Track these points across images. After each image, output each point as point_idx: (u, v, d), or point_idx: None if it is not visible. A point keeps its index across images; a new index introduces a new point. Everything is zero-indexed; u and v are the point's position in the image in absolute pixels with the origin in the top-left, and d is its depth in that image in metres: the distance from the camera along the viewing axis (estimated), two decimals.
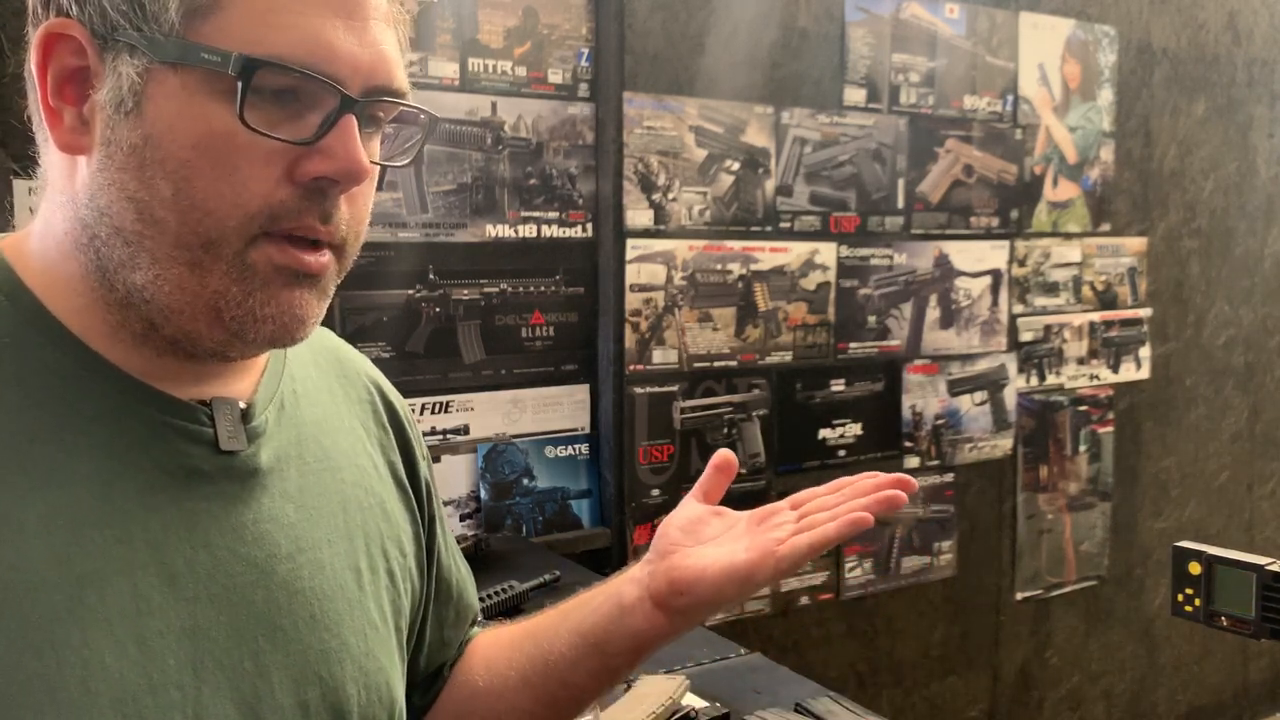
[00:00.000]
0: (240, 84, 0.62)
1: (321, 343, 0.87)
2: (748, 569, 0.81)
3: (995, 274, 2.99)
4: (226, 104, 0.62)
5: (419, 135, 0.74)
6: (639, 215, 2.37)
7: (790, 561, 0.81)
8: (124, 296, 0.67)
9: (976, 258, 2.95)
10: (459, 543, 2.07)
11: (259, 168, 0.64)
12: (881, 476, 0.85)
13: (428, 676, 0.94)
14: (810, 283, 2.65)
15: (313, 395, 0.81)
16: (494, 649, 0.96)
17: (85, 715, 0.60)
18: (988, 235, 2.97)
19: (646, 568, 0.87)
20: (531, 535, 2.29)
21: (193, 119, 0.63)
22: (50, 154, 0.69)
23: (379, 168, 0.72)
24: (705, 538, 0.87)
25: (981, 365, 2.98)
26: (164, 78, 0.63)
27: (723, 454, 0.91)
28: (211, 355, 0.69)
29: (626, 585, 0.87)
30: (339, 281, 0.71)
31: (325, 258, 0.68)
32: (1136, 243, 3.31)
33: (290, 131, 0.64)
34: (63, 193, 0.68)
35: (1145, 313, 3.35)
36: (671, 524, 0.88)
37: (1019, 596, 3.12)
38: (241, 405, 0.72)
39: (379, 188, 2.42)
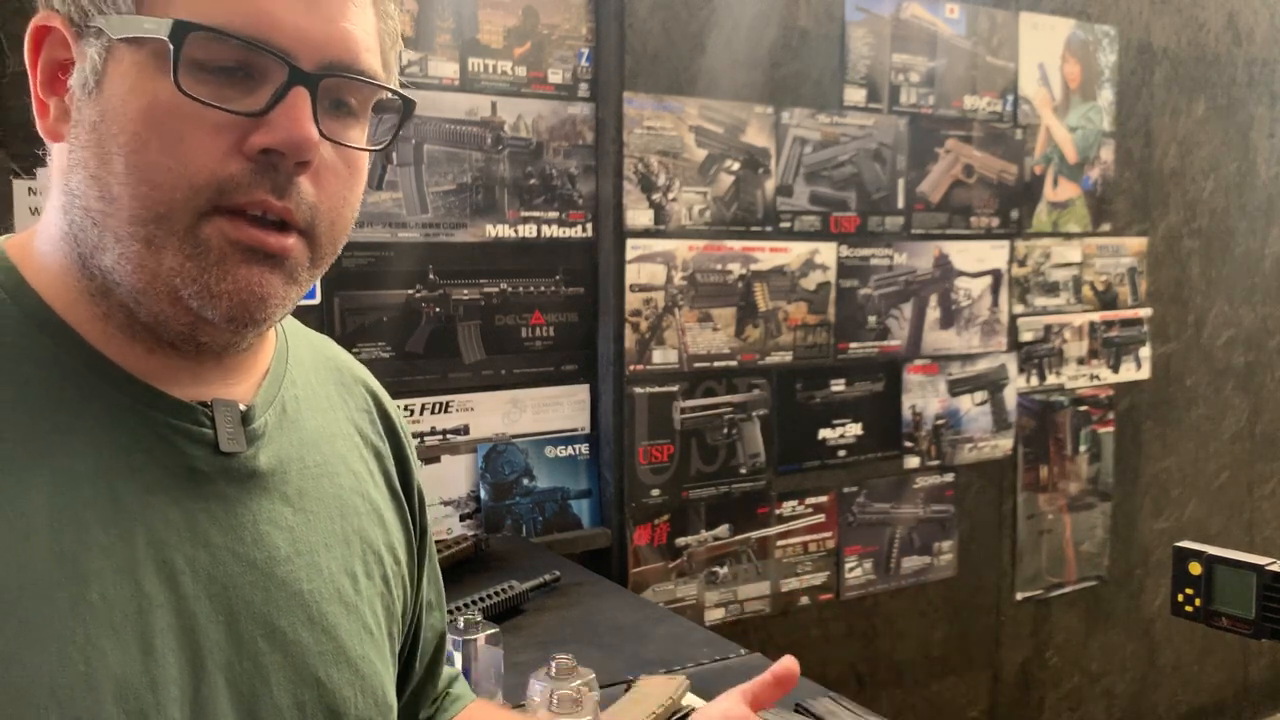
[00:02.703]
0: (172, 49, 0.62)
1: (322, 350, 0.88)
2: None
3: (995, 274, 2.99)
4: (171, 75, 0.63)
5: (396, 120, 0.73)
6: (639, 215, 2.37)
7: None
8: (101, 284, 0.67)
9: (976, 258, 2.95)
10: (459, 543, 2.08)
11: (206, 140, 0.63)
12: None
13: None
14: (810, 283, 2.65)
15: (313, 401, 0.81)
16: None
17: (88, 710, 0.60)
18: (988, 235, 2.97)
19: None
20: (531, 535, 2.29)
21: (141, 92, 0.64)
22: (50, 149, 0.70)
23: (365, 157, 0.71)
24: None
25: (981, 365, 2.98)
26: (121, 55, 0.64)
27: (786, 665, 0.92)
28: (187, 341, 0.69)
29: None
30: (316, 272, 0.70)
31: (290, 240, 0.67)
32: (1137, 243, 3.31)
33: (240, 106, 0.64)
34: (56, 185, 0.68)
35: (1145, 313, 3.35)
36: (711, 716, 0.91)
37: (1019, 596, 3.12)
38: (242, 408, 0.72)
39: (379, 187, 2.38)
